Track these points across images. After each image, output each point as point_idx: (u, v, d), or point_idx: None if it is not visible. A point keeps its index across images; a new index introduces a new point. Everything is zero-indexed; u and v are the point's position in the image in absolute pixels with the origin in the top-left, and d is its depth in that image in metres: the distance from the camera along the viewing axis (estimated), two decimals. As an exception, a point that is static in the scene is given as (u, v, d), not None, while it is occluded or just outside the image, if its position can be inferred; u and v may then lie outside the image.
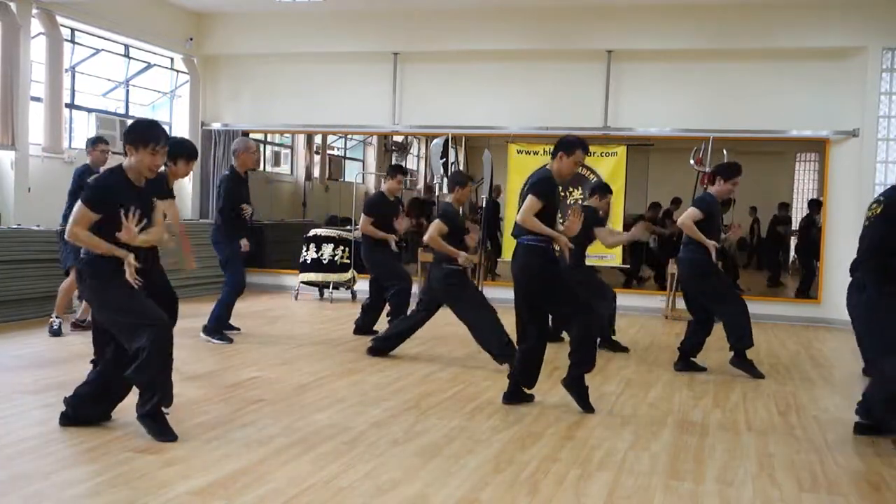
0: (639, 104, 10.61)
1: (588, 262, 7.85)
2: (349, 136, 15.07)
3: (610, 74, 10.63)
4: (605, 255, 9.93)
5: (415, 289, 7.88)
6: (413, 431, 4.61)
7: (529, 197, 5.05)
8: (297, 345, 7.38)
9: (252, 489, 3.59)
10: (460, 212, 6.90)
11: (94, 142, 7.61)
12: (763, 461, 4.34)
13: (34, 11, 9.15)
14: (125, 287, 4.16)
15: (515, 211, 5.31)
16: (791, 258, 13.46)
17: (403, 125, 11.49)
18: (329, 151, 15.63)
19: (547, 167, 5.31)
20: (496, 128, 11.03)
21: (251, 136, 11.36)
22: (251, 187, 7.69)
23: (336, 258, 10.62)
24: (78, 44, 10.31)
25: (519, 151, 10.91)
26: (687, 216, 6.46)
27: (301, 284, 10.82)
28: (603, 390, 5.82)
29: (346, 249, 10.59)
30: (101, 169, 7.40)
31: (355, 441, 4.37)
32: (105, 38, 10.63)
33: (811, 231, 11.36)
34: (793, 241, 13.11)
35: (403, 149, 15.93)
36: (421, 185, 15.82)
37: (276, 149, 14.36)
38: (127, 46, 11.05)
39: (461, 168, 11.40)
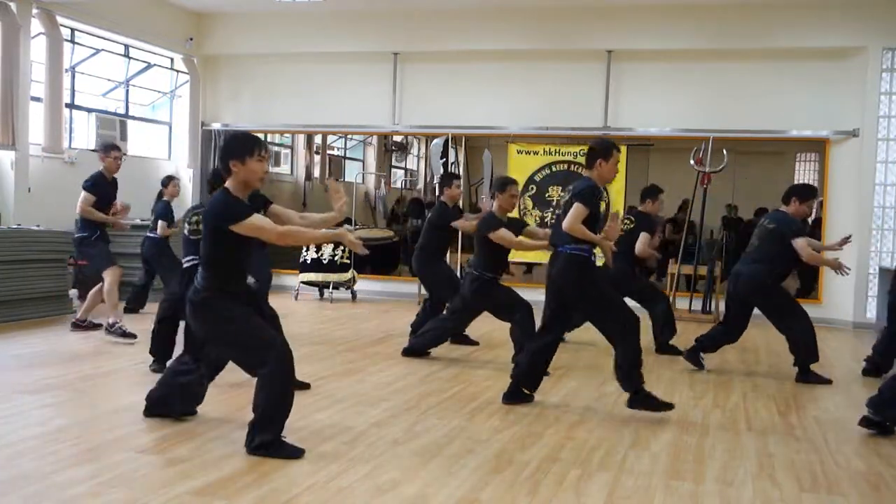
0: (639, 104, 10.61)
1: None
2: (349, 136, 15.07)
3: (610, 74, 10.63)
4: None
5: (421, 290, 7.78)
6: (413, 431, 4.61)
7: (576, 205, 5.03)
8: (297, 345, 7.26)
9: (252, 489, 3.59)
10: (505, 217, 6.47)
11: (108, 148, 7.42)
12: (763, 461, 4.33)
13: (34, 11, 9.16)
14: (243, 317, 4.18)
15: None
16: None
17: (403, 125, 11.49)
18: (329, 151, 15.61)
19: (586, 176, 5.26)
20: (496, 128, 11.03)
21: (251, 136, 11.33)
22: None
23: (336, 258, 10.61)
24: (78, 44, 10.32)
25: (519, 151, 10.90)
26: (805, 246, 6.36)
27: (301, 284, 10.83)
28: (603, 390, 5.82)
29: (346, 249, 10.59)
30: (115, 176, 7.38)
31: (355, 441, 4.37)
32: (105, 38, 10.64)
33: (811, 231, 11.34)
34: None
35: (403, 149, 15.92)
36: (421, 185, 15.81)
37: (276, 149, 14.35)
38: (127, 46, 11.06)
39: (460, 168, 11.40)
